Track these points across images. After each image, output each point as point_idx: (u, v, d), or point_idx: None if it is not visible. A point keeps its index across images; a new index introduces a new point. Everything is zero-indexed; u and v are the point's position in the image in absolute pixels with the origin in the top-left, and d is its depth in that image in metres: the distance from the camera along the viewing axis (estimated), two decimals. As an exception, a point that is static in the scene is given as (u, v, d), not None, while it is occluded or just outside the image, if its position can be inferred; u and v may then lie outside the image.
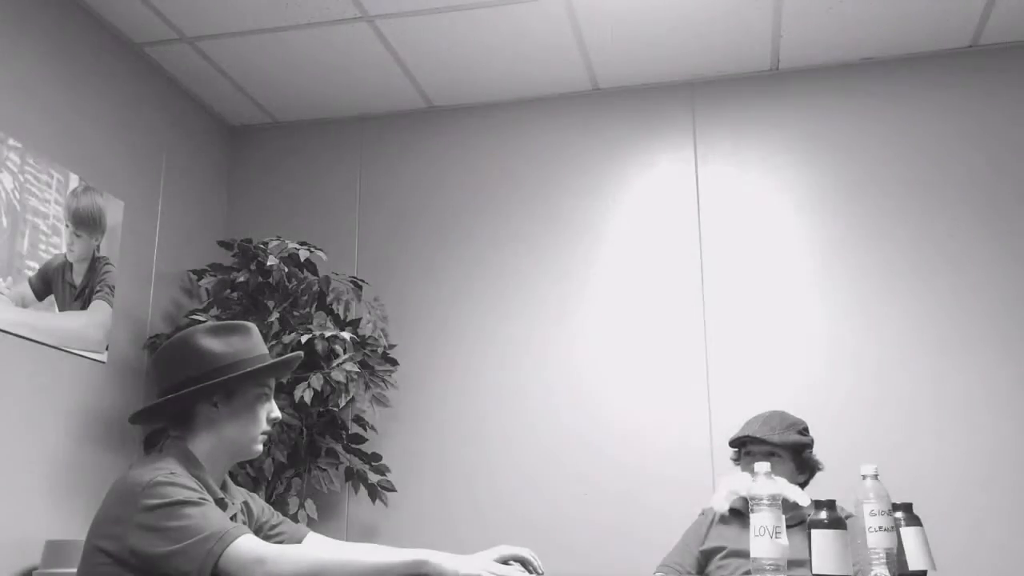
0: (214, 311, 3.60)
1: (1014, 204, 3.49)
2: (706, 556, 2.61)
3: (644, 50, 3.70)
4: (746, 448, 2.63)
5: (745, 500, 2.51)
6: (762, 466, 1.79)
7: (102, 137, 3.48)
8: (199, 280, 3.64)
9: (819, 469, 2.62)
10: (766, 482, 2.27)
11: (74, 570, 2.70)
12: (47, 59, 3.23)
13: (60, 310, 3.16)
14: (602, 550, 3.49)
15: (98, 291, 3.35)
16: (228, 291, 3.60)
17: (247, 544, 1.59)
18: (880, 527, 1.75)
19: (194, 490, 1.67)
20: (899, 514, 1.91)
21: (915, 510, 1.97)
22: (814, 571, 1.69)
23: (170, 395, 1.81)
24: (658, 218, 3.80)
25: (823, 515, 1.72)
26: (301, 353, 1.98)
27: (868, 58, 3.75)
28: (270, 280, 3.54)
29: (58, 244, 3.19)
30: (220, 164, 4.26)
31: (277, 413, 1.90)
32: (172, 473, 1.69)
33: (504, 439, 3.72)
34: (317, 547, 1.71)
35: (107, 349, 3.38)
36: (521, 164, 4.01)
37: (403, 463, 3.75)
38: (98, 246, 3.37)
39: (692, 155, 3.83)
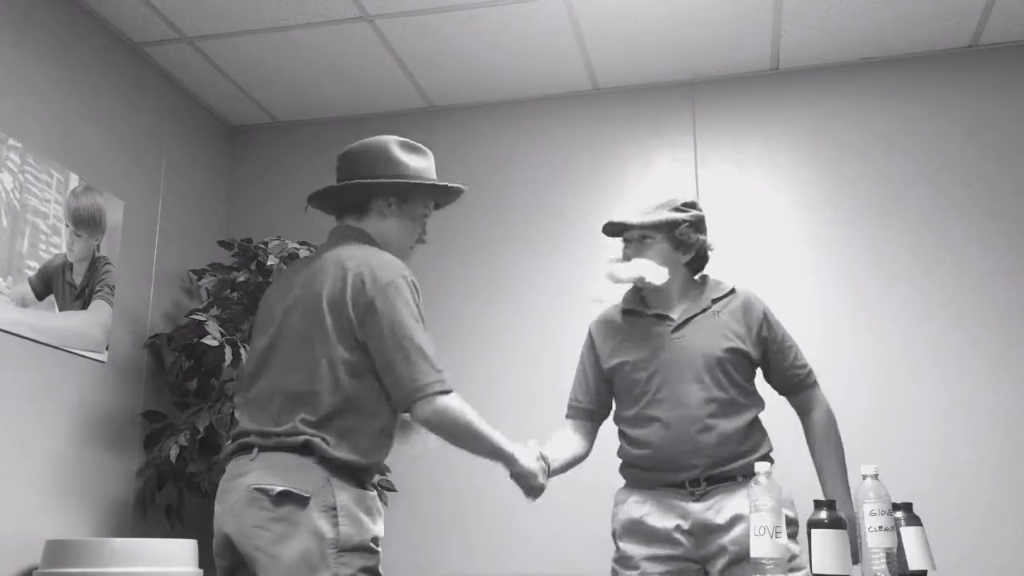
0: (214, 311, 3.60)
1: (1015, 203, 3.49)
2: (610, 376, 2.39)
3: (644, 50, 3.70)
4: (623, 235, 2.39)
5: (633, 296, 2.39)
6: (762, 466, 1.77)
7: (102, 137, 3.48)
8: (199, 280, 3.63)
9: (704, 247, 2.37)
10: (625, 266, 2.31)
11: (75, 570, 2.72)
12: (47, 59, 3.23)
13: (60, 310, 3.16)
14: (602, 551, 3.48)
15: (98, 291, 3.35)
16: (228, 291, 3.60)
17: (439, 402, 1.90)
18: (880, 527, 1.75)
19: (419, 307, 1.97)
20: (899, 514, 1.91)
21: (916, 510, 1.97)
22: (814, 571, 1.69)
23: (359, 181, 2.08)
24: (658, 218, 3.80)
25: (823, 515, 1.72)
26: (465, 187, 2.24)
27: (868, 58, 3.75)
28: (270, 280, 3.53)
29: (58, 244, 3.19)
30: (220, 164, 4.26)
31: (425, 238, 2.21)
32: (408, 274, 1.97)
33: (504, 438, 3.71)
34: (465, 411, 1.95)
35: (107, 349, 3.38)
36: (521, 164, 4.01)
37: (403, 463, 3.75)
38: (98, 246, 3.37)
39: (692, 155, 3.83)
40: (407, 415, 1.97)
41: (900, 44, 3.65)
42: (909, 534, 1.89)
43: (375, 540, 1.89)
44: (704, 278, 2.42)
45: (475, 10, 3.43)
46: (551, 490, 3.60)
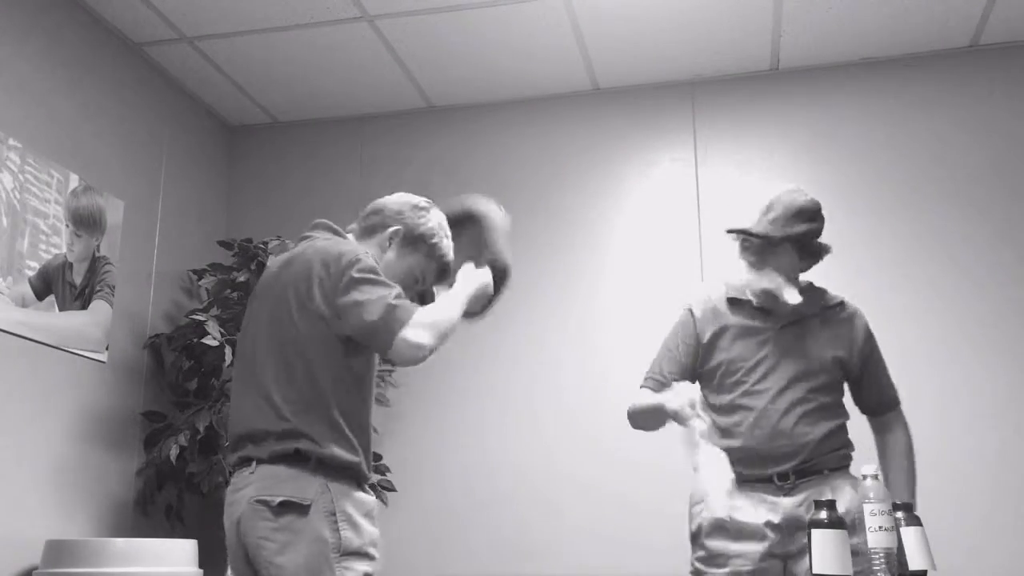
0: (214, 311, 3.60)
1: (1015, 203, 3.49)
2: (705, 357, 2.35)
3: (644, 50, 3.70)
4: (745, 241, 2.31)
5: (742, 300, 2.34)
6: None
7: (102, 137, 3.48)
8: (199, 280, 3.63)
9: (827, 252, 2.35)
10: (756, 277, 2.27)
11: (75, 570, 2.72)
12: (47, 59, 3.23)
13: (60, 310, 3.16)
14: (602, 551, 3.49)
15: (98, 291, 3.35)
16: (228, 291, 3.60)
17: (400, 339, 1.88)
18: (880, 527, 1.75)
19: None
20: (899, 514, 1.91)
21: (916, 510, 1.98)
22: (814, 571, 1.69)
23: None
24: (658, 218, 3.80)
25: (823, 515, 1.72)
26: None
27: (868, 58, 3.75)
28: (270, 280, 3.53)
29: (58, 244, 3.19)
30: (220, 164, 4.26)
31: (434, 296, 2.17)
32: (366, 253, 2.00)
33: (504, 438, 3.72)
34: (427, 312, 1.97)
35: (107, 349, 3.38)
36: (521, 164, 4.01)
37: (403, 463, 3.75)
38: (98, 246, 3.37)
39: (692, 155, 3.83)
40: None
41: (900, 44, 3.65)
42: (909, 534, 1.89)
43: (373, 544, 1.91)
44: (809, 283, 2.40)
45: (475, 10, 3.43)
46: (555, 488, 3.61)
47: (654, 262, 3.75)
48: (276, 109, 4.20)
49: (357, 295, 1.91)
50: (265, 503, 1.85)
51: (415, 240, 2.13)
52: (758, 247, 2.28)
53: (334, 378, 1.93)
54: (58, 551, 2.82)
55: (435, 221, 2.17)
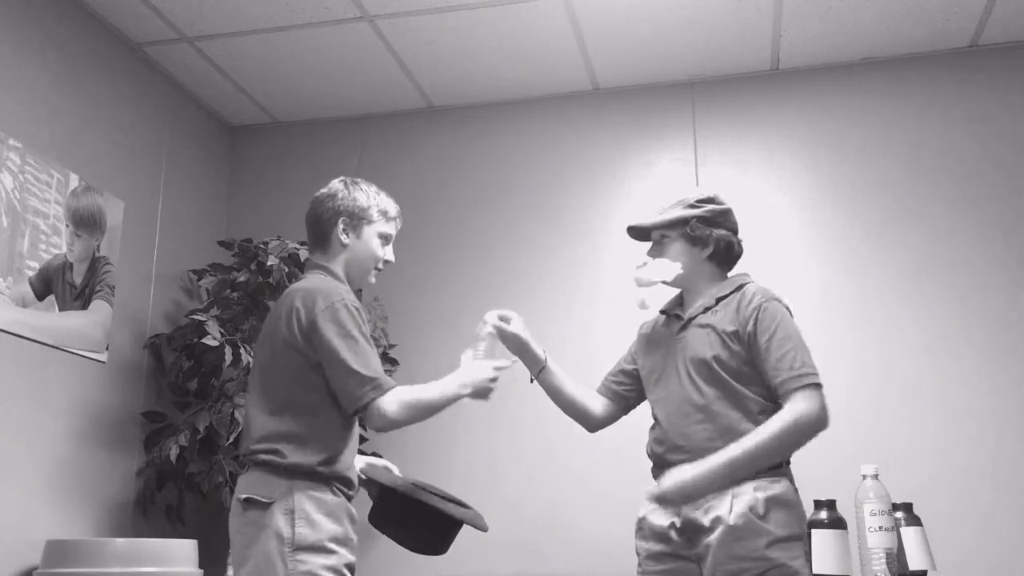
0: (214, 311, 3.60)
1: (1015, 203, 3.49)
2: (639, 374, 2.46)
3: (644, 50, 3.70)
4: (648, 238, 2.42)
5: (675, 297, 2.42)
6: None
7: (102, 137, 3.48)
8: (199, 280, 3.63)
9: (727, 241, 2.36)
10: (644, 269, 2.35)
11: (75, 570, 2.72)
12: (47, 59, 3.23)
13: (60, 310, 3.16)
14: (603, 549, 3.49)
15: (98, 291, 3.35)
16: (228, 291, 3.60)
17: (386, 397, 2.06)
18: (880, 527, 1.75)
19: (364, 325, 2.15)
20: (899, 514, 1.92)
21: (916, 510, 1.98)
22: (814, 570, 1.69)
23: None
24: (658, 218, 3.80)
25: (823, 515, 1.73)
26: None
27: (868, 58, 3.76)
28: (270, 280, 3.53)
29: (58, 244, 3.19)
30: (220, 164, 4.26)
31: (391, 257, 2.34)
32: (347, 297, 2.14)
33: (504, 438, 3.72)
34: (412, 389, 2.13)
35: (107, 349, 3.38)
36: (521, 164, 4.01)
37: (403, 463, 3.74)
38: (98, 246, 3.37)
39: (692, 155, 3.83)
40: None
41: (900, 44, 3.65)
42: (909, 534, 1.89)
43: (335, 540, 2.05)
44: (732, 279, 2.37)
45: (475, 10, 3.43)
46: (557, 487, 3.61)
47: (654, 262, 3.75)
48: (276, 109, 4.21)
49: (333, 371, 2.08)
50: (239, 501, 2.08)
51: (362, 215, 2.30)
52: (655, 242, 2.38)
53: (303, 396, 2.11)
54: (58, 551, 2.82)
55: (362, 189, 2.33)
